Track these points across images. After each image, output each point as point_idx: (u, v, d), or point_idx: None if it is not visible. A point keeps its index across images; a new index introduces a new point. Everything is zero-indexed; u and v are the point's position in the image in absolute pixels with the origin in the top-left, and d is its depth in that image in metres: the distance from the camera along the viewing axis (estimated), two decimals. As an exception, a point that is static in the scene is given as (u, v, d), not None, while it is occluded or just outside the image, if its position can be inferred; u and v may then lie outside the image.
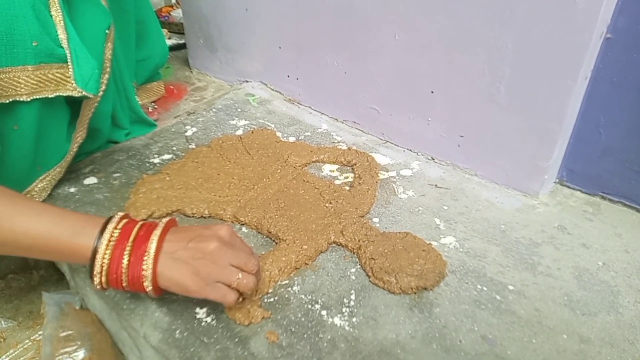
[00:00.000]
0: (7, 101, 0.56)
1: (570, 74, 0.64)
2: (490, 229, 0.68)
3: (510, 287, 0.59)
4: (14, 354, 0.62)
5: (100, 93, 0.70)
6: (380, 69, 0.85)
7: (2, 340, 0.64)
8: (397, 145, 0.89)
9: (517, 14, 0.65)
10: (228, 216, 0.68)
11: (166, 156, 0.83)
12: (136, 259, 0.46)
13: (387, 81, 0.85)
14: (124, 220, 0.49)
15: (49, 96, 0.60)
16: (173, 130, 0.92)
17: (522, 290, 0.58)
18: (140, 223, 0.50)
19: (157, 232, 0.48)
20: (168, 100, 1.08)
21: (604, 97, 0.68)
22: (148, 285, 0.47)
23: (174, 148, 0.86)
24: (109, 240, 0.47)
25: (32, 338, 0.64)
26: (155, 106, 1.04)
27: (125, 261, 0.46)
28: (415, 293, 0.57)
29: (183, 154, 0.83)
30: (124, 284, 0.48)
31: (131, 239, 0.47)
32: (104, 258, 0.46)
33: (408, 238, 0.63)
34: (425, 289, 0.58)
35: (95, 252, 0.46)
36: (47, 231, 0.46)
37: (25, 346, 0.63)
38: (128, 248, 0.47)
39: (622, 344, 0.52)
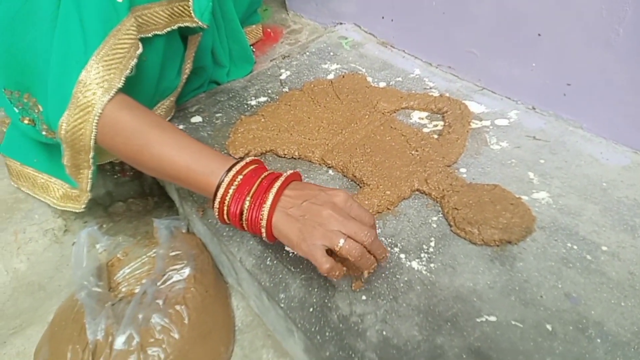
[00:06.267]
0: (150, 35, 0.63)
1: None
2: (590, 186, 0.64)
3: (604, 248, 0.56)
4: (134, 266, 0.73)
5: None
6: (481, 9, 0.79)
7: (125, 255, 0.76)
8: (495, 93, 0.84)
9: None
10: (316, 158, 0.71)
11: (262, 98, 0.88)
12: (255, 207, 0.51)
13: (488, 22, 0.79)
14: (251, 167, 0.53)
15: (174, 28, 0.67)
16: (269, 73, 0.96)
17: (617, 252, 0.55)
18: (266, 173, 0.53)
19: (276, 185, 0.51)
20: (265, 44, 1.12)
21: None
22: (263, 233, 0.52)
23: (269, 91, 0.90)
24: (229, 185, 0.51)
25: (148, 255, 0.74)
26: (253, 49, 1.08)
27: (246, 206, 0.51)
28: (498, 246, 0.57)
29: (277, 97, 0.87)
30: (244, 226, 0.53)
31: (254, 188, 0.51)
32: (225, 199, 0.51)
33: (496, 190, 0.62)
34: (510, 242, 0.57)
35: (217, 190, 0.52)
36: (186, 166, 0.53)
37: (143, 261, 0.74)
38: (249, 197, 0.51)
39: None
